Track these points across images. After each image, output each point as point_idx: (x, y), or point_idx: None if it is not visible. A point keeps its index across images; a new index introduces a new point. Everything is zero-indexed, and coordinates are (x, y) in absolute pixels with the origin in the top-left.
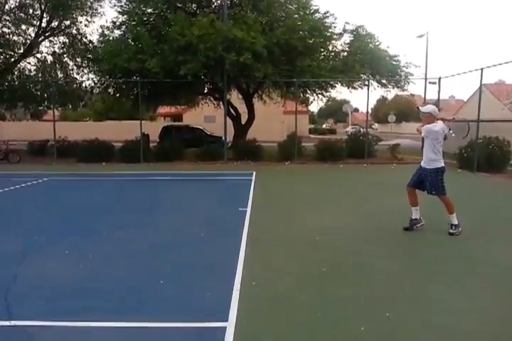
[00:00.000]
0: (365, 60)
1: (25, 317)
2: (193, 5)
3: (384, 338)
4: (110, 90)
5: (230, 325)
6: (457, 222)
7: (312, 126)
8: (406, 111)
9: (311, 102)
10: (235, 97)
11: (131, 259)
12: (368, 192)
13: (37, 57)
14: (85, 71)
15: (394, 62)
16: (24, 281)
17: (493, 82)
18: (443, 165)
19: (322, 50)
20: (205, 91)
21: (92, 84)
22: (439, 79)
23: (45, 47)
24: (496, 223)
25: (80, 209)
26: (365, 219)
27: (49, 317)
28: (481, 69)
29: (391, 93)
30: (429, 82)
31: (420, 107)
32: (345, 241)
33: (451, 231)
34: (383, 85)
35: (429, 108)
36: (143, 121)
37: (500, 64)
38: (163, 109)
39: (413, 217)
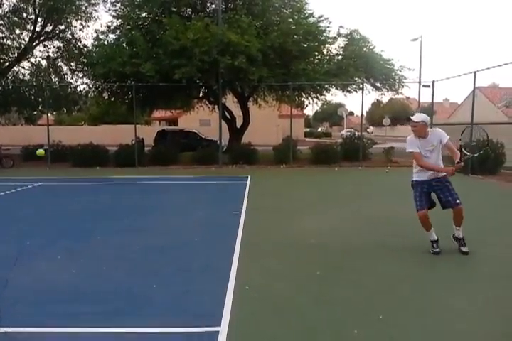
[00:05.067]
0: (360, 64)
1: (16, 324)
2: (188, 9)
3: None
4: (105, 94)
5: (223, 330)
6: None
7: (307, 129)
8: (401, 114)
9: (306, 106)
10: (230, 101)
11: (123, 263)
12: (361, 194)
13: (31, 62)
14: (80, 75)
15: (388, 66)
16: (15, 287)
17: (486, 85)
18: None
19: (316, 53)
20: (200, 95)
21: (87, 89)
22: (433, 82)
23: (39, 51)
24: (486, 226)
25: (73, 213)
26: (361, 222)
27: (40, 323)
28: (475, 73)
29: (385, 96)
30: (423, 85)
31: None
32: (341, 245)
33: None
34: (377, 89)
35: None
36: (138, 126)
37: (493, 67)
38: (158, 113)
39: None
